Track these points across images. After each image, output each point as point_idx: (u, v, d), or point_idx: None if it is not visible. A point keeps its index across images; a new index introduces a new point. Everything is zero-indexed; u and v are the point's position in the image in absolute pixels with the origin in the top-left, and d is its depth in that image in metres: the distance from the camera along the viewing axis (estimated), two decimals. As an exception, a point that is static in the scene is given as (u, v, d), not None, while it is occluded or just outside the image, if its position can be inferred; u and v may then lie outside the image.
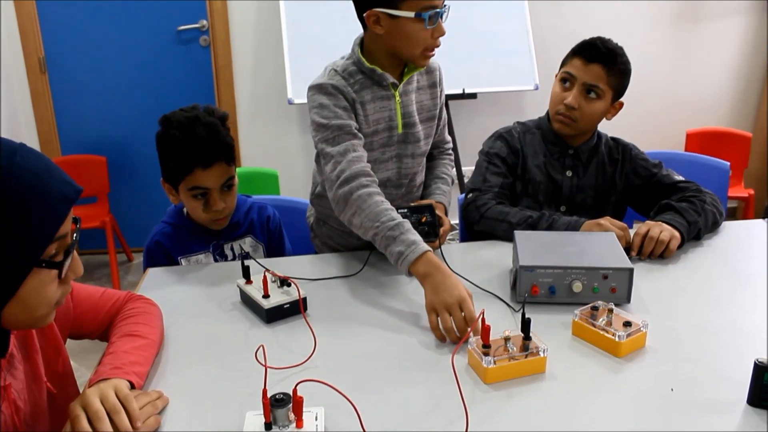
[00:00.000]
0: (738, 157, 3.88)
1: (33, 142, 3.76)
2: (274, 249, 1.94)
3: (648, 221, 1.77)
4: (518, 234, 1.60)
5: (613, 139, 2.03)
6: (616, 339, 1.24)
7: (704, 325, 1.37)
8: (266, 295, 1.41)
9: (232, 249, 1.84)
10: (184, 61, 3.79)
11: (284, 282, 1.44)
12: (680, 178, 1.95)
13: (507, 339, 1.20)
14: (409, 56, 1.68)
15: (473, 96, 3.66)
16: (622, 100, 1.94)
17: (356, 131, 1.67)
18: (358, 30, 1.71)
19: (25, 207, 0.86)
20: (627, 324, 1.27)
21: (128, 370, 1.13)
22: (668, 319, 1.40)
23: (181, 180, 1.69)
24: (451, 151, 2.05)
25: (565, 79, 1.90)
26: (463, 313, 1.32)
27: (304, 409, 1.01)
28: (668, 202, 1.85)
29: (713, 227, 1.86)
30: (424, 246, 1.45)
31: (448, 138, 2.04)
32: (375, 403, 1.12)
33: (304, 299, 1.43)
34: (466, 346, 1.23)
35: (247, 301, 1.48)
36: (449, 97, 3.47)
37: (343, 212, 1.60)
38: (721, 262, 1.70)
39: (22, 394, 1.05)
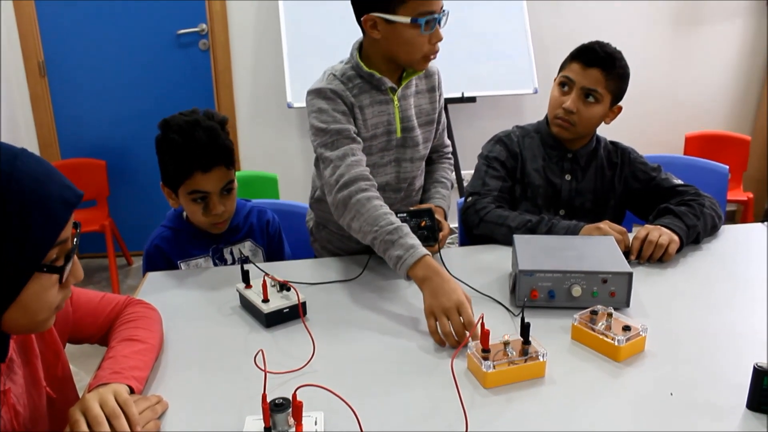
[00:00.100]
0: (737, 161, 3.88)
1: (32, 145, 3.76)
2: (274, 253, 1.94)
3: (647, 225, 1.77)
4: (517, 238, 1.61)
5: (612, 142, 2.04)
6: (616, 343, 1.24)
7: (703, 329, 1.38)
8: (266, 300, 1.41)
9: (231, 253, 1.84)
10: (184, 65, 3.79)
11: (284, 286, 1.44)
12: (679, 181, 1.95)
13: (506, 343, 1.20)
14: (406, 61, 1.68)
15: (472, 100, 3.67)
16: (620, 104, 1.94)
17: (355, 135, 1.67)
18: (358, 34, 1.72)
19: (26, 212, 0.87)
20: (626, 328, 1.27)
21: (128, 374, 1.13)
22: (667, 323, 1.40)
23: (180, 184, 1.70)
24: (450, 156, 2.05)
25: (564, 84, 1.90)
26: (461, 318, 1.32)
27: (304, 414, 1.01)
28: (667, 206, 1.85)
29: (712, 231, 1.86)
30: (423, 250, 1.46)
31: (447, 142, 2.04)
32: (374, 407, 1.12)
33: (304, 304, 1.43)
34: (466, 350, 1.23)
35: (246, 305, 1.48)
36: (448, 100, 3.48)
37: (342, 216, 1.60)
38: (720, 266, 1.70)
39: (21, 398, 1.05)
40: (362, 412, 1.03)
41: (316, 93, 1.69)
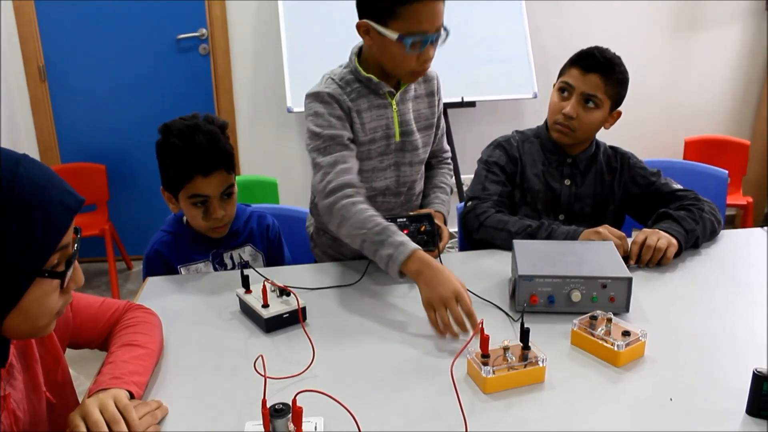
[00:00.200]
0: (736, 165, 3.88)
1: (32, 150, 3.76)
2: (274, 258, 1.94)
3: (645, 229, 1.77)
4: (517, 243, 1.61)
5: (612, 147, 2.04)
6: (615, 348, 1.25)
7: (703, 335, 1.38)
8: (265, 305, 1.41)
9: (231, 258, 1.84)
10: (184, 70, 3.80)
11: (283, 291, 1.44)
12: (679, 186, 1.96)
13: (506, 349, 1.20)
14: (393, 73, 1.70)
15: (472, 104, 3.67)
16: (620, 108, 1.95)
17: (348, 142, 1.68)
18: (358, 39, 1.72)
19: (27, 217, 0.87)
20: (626, 333, 1.27)
21: (128, 380, 1.13)
22: (667, 328, 1.40)
23: (181, 188, 1.70)
24: (449, 161, 2.06)
25: (563, 89, 1.91)
26: (460, 308, 1.34)
27: (304, 419, 1.01)
28: (665, 210, 1.85)
29: (711, 236, 1.86)
30: (413, 245, 1.47)
31: (447, 147, 2.04)
32: (374, 412, 1.12)
33: (304, 309, 1.43)
34: (465, 355, 1.23)
35: (246, 310, 1.48)
36: (448, 105, 3.48)
37: (330, 223, 1.62)
38: (720, 271, 1.70)
39: (21, 404, 1.05)
40: (362, 417, 1.03)
41: (313, 96, 1.70)
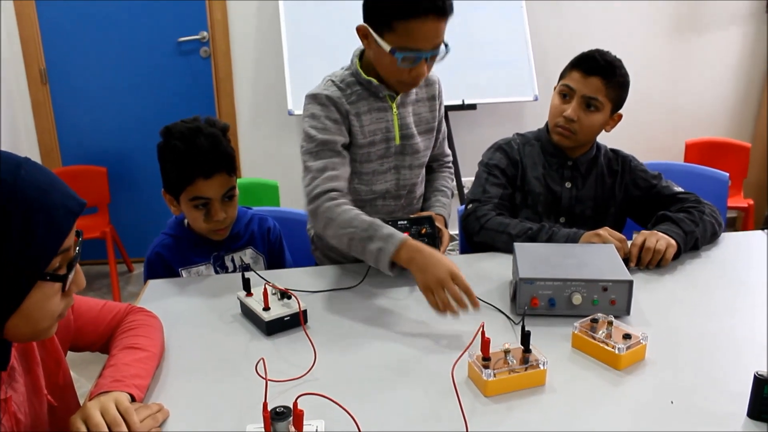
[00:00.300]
0: (737, 167, 3.89)
1: (34, 152, 3.77)
2: (275, 261, 1.94)
3: (643, 231, 1.77)
4: (518, 246, 1.61)
5: (613, 150, 2.04)
6: (616, 351, 1.25)
7: (704, 337, 1.38)
8: (266, 308, 1.41)
9: (232, 260, 1.84)
10: (185, 73, 3.80)
11: (284, 294, 1.44)
12: (680, 189, 1.96)
13: (507, 351, 1.20)
14: (385, 80, 1.70)
15: (473, 107, 3.67)
16: (620, 111, 1.95)
17: (341, 148, 1.68)
18: (359, 41, 1.72)
19: (29, 221, 0.87)
20: (627, 336, 1.27)
21: (129, 382, 1.13)
22: (668, 331, 1.40)
23: (182, 190, 1.70)
24: (450, 164, 2.06)
25: (564, 92, 1.91)
26: (456, 286, 1.37)
27: (305, 422, 1.01)
28: (665, 213, 1.85)
29: (712, 238, 1.86)
30: (401, 235, 1.48)
31: (448, 151, 2.05)
32: (375, 415, 1.12)
33: (305, 312, 1.43)
34: (466, 358, 1.23)
35: (247, 313, 1.48)
36: (449, 108, 3.48)
37: (315, 226, 1.64)
38: (721, 273, 1.70)
39: (22, 406, 1.05)
40: (363, 420, 1.03)
41: (312, 98, 1.71)
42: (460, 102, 3.60)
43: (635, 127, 4.03)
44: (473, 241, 1.92)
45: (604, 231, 1.74)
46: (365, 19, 1.62)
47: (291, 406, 1.00)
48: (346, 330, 1.44)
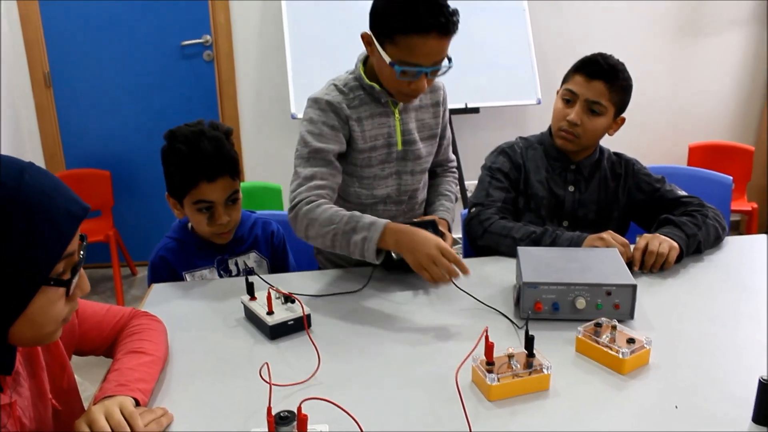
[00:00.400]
0: (741, 171, 3.88)
1: (37, 155, 3.78)
2: (278, 264, 1.94)
3: (645, 234, 1.77)
4: (521, 250, 1.61)
5: (616, 154, 2.04)
6: (620, 356, 1.24)
7: (708, 342, 1.37)
8: (270, 312, 1.41)
9: (236, 264, 1.84)
10: (188, 76, 3.81)
11: (288, 298, 1.44)
12: (683, 193, 1.95)
13: (511, 356, 1.20)
14: (387, 88, 1.70)
15: (476, 110, 3.67)
16: (624, 115, 1.95)
17: (333, 158, 1.69)
18: (362, 46, 1.72)
19: (33, 225, 0.87)
20: (630, 341, 1.27)
21: (133, 387, 1.13)
22: (672, 335, 1.40)
23: (186, 193, 1.71)
24: (455, 170, 2.06)
25: (567, 96, 1.90)
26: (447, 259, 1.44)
27: (309, 427, 1.01)
28: (667, 216, 1.85)
29: (716, 242, 1.86)
30: (383, 220, 1.51)
31: (452, 157, 2.05)
32: (379, 419, 1.12)
33: (308, 316, 1.44)
34: (470, 362, 1.23)
35: (251, 317, 1.48)
36: (452, 111, 3.48)
37: (298, 230, 1.65)
38: (725, 277, 1.70)
39: (27, 411, 1.05)
40: (367, 424, 1.03)
41: (313, 102, 1.73)
42: (462, 105, 3.60)
43: (638, 130, 4.03)
44: (477, 244, 1.92)
45: (608, 235, 1.73)
46: (370, 27, 1.62)
47: (295, 411, 1.00)
48: (350, 334, 1.44)
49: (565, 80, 1.94)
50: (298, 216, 1.62)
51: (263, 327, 1.42)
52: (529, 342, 1.20)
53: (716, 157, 3.94)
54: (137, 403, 1.10)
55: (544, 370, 1.19)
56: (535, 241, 1.78)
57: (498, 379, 1.16)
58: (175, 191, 1.74)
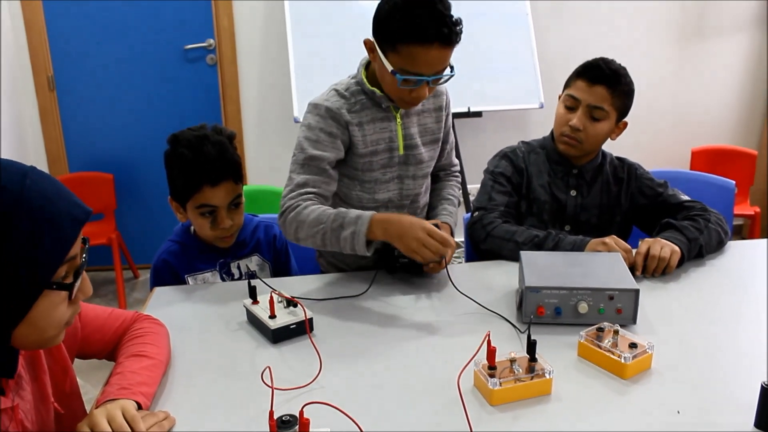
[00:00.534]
0: (743, 175, 3.88)
1: (41, 159, 3.79)
2: (281, 268, 1.94)
3: (647, 239, 1.77)
4: (524, 254, 1.61)
5: (618, 158, 2.04)
6: (622, 360, 1.24)
7: (711, 346, 1.37)
8: (272, 316, 1.41)
9: (238, 267, 1.85)
10: (191, 80, 3.82)
11: (290, 302, 1.44)
12: (686, 197, 1.95)
13: (513, 360, 1.20)
14: (388, 94, 1.70)
15: (478, 114, 3.68)
16: (626, 119, 1.95)
17: (327, 166, 1.69)
18: (365, 51, 1.73)
19: (35, 229, 0.87)
20: (633, 345, 1.27)
21: (135, 390, 1.13)
22: (674, 340, 1.39)
23: (189, 198, 1.71)
24: (458, 174, 2.06)
25: (569, 101, 1.90)
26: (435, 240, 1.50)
27: (311, 431, 1.01)
28: (669, 220, 1.85)
29: (718, 246, 1.86)
30: (369, 212, 1.54)
31: (455, 161, 2.05)
32: (381, 424, 1.12)
33: (311, 320, 1.43)
34: (472, 367, 1.23)
35: (253, 321, 1.49)
36: (454, 115, 3.46)
37: (288, 234, 1.66)
38: (727, 282, 1.70)
39: (29, 414, 1.06)
40: (369, 428, 1.03)
41: (313, 107, 1.73)
42: (465, 109, 3.61)
43: (641, 135, 4.03)
44: (479, 248, 1.92)
45: (611, 239, 1.73)
46: (373, 34, 1.62)
47: (297, 415, 1.00)
48: (352, 338, 1.44)
49: (566, 85, 1.94)
50: (287, 221, 1.63)
51: (265, 331, 1.42)
52: (532, 346, 1.20)
53: (719, 162, 3.94)
54: (139, 407, 1.10)
55: (546, 375, 1.19)
56: (538, 245, 1.78)
57: (500, 384, 1.16)
58: (177, 195, 1.74)
